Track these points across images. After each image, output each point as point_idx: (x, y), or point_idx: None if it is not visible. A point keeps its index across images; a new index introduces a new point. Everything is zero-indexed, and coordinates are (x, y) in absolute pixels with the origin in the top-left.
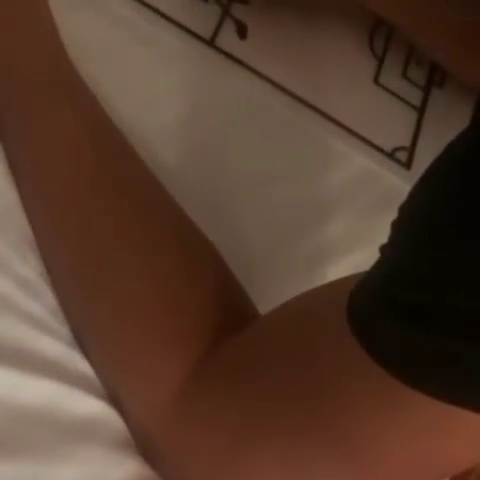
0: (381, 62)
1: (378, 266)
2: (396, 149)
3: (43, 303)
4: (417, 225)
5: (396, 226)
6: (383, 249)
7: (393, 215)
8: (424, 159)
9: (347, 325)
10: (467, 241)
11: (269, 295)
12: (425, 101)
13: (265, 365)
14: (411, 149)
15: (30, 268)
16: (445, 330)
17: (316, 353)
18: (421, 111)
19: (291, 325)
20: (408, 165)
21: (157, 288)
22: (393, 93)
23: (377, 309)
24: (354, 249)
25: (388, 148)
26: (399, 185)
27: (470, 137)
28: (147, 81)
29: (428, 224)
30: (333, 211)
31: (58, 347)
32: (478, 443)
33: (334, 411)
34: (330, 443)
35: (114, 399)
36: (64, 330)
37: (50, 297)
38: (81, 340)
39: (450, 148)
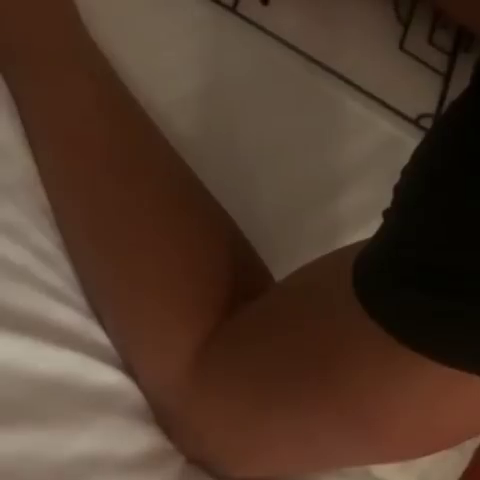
0: (406, 28)
1: (381, 231)
2: (421, 116)
3: (60, 273)
4: (417, 185)
5: (398, 189)
6: (386, 213)
7: None
8: None
9: (352, 291)
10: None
11: (285, 266)
12: (451, 67)
13: (275, 333)
14: (436, 116)
15: (47, 238)
16: (448, 291)
17: (323, 321)
18: (447, 77)
19: (299, 294)
20: None
21: (172, 258)
22: (418, 59)
23: (381, 274)
24: (374, 219)
25: (413, 115)
26: None
27: (470, 98)
28: (169, 47)
29: (427, 182)
30: (356, 179)
31: (75, 317)
32: None
33: (342, 377)
34: (338, 408)
35: (130, 369)
36: (81, 300)
37: (67, 267)
38: (97, 310)
39: (450, 109)
